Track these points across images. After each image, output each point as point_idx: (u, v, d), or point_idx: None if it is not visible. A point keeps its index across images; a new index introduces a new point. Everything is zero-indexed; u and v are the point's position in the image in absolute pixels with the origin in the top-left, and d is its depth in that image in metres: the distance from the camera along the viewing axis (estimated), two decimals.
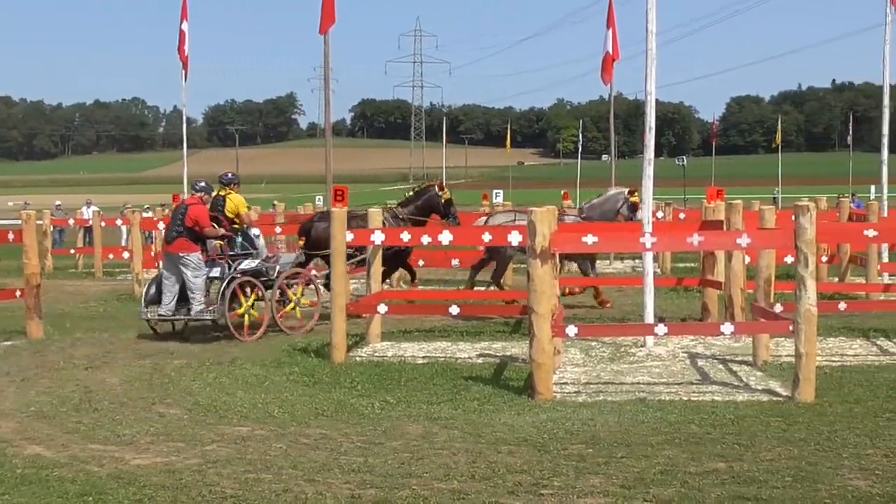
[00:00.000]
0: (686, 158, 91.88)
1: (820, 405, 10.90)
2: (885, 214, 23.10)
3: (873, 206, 23.02)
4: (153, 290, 16.91)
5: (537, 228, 11.37)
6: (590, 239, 11.96)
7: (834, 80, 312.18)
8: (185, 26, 27.78)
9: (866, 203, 28.86)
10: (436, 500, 7.50)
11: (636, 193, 19.88)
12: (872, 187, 56.86)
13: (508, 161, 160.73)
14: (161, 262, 17.81)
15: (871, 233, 14.52)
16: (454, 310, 15.27)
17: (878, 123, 24.24)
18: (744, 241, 12.32)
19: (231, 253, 17.15)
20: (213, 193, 17.48)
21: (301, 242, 18.85)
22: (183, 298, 16.54)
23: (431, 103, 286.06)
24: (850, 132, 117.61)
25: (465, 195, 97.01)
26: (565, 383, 12.36)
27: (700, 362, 13.71)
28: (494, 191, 56.39)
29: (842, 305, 14.96)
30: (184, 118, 32.18)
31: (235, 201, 17.53)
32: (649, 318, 14.84)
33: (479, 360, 14.00)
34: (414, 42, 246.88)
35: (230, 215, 17.42)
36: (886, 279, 21.02)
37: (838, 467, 8.29)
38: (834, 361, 13.58)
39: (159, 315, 16.68)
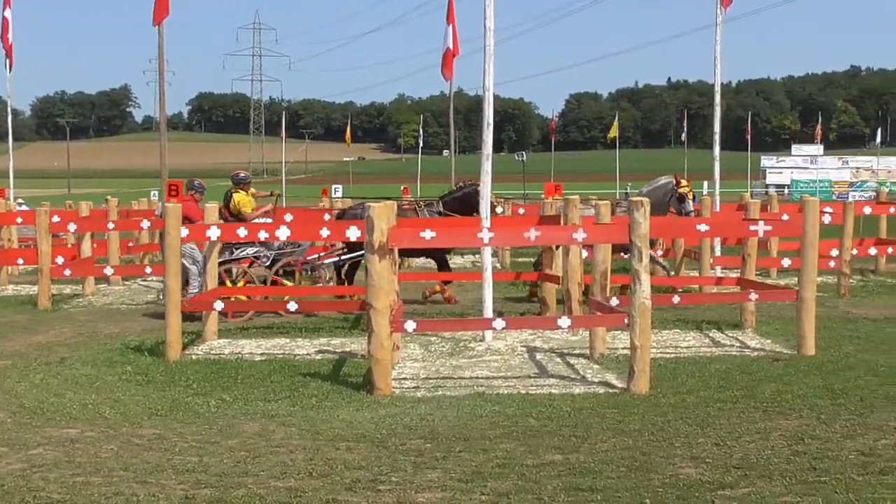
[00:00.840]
0: (525, 154, 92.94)
1: (654, 396, 11.09)
2: (718, 209, 23.61)
3: (706, 201, 23.48)
4: None
5: (375, 224, 11.32)
6: (427, 234, 11.96)
7: (669, 78, 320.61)
8: (7, 13, 27.12)
9: (700, 198, 29.46)
10: (272, 499, 7.38)
11: (683, 183, 19.89)
12: (705, 183, 58.13)
13: (349, 156, 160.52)
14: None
15: (703, 228, 14.80)
16: (292, 306, 15.17)
17: (711, 121, 24.82)
18: (580, 235, 12.44)
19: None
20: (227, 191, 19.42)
21: None
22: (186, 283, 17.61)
23: (271, 97, 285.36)
24: (685, 129, 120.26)
25: (304, 190, 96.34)
26: (404, 378, 12.35)
27: (538, 356, 13.83)
28: (334, 186, 56.19)
29: (676, 298, 15.23)
30: (9, 109, 31.51)
31: (237, 199, 19.18)
32: (488, 312, 14.93)
33: (318, 357, 13.90)
34: (253, 35, 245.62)
35: (234, 210, 19.07)
36: (719, 272, 21.47)
37: (671, 456, 8.41)
38: (668, 353, 13.83)
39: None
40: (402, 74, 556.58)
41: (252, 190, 20.01)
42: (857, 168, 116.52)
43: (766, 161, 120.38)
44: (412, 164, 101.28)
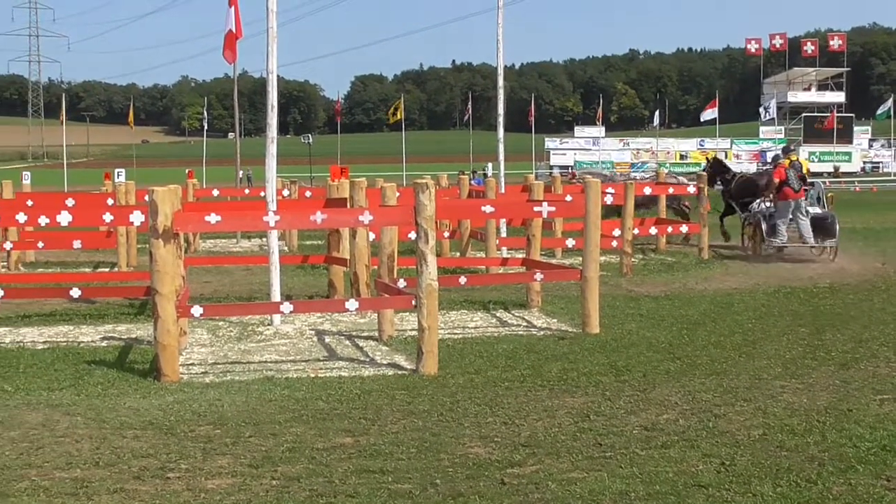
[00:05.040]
0: (311, 136, 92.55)
1: (443, 377, 11.18)
2: (503, 191, 23.94)
3: (491, 182, 23.81)
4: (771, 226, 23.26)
5: (159, 208, 11.13)
6: (213, 218, 11.80)
7: (454, 61, 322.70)
8: None
9: (485, 180, 29.87)
10: (57, 490, 7.21)
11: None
12: (490, 164, 58.91)
13: (132, 139, 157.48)
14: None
15: (488, 209, 14.97)
16: (75, 292, 14.81)
17: (495, 103, 25.15)
18: (366, 218, 12.48)
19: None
20: (793, 158, 24.04)
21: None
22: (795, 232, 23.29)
23: (50, 79, 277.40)
24: (470, 111, 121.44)
25: (86, 175, 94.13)
26: (192, 364, 12.19)
27: (327, 339, 13.82)
28: (117, 170, 55.11)
29: (462, 279, 15.37)
30: None
31: (805, 164, 24.96)
32: (276, 296, 14.85)
33: (103, 344, 13.60)
34: (29, 14, 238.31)
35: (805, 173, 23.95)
36: (504, 253, 21.77)
37: (460, 436, 8.50)
38: (456, 334, 13.97)
39: (779, 244, 23.12)
40: (186, 56, 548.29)
41: None
42: (638, 149, 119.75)
43: (550, 142, 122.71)
44: (198, 147, 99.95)
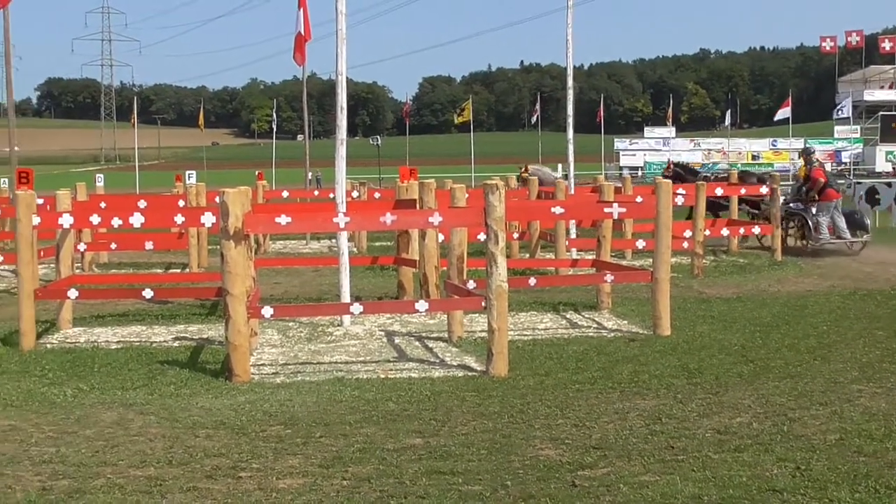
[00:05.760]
0: (380, 138, 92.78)
1: (513, 378, 11.15)
2: (572, 192, 23.85)
3: (560, 183, 23.71)
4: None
5: (230, 209, 11.20)
6: (283, 220, 11.86)
7: (522, 62, 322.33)
8: None
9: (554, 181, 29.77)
10: (132, 488, 7.27)
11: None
12: (560, 166, 58.67)
13: (202, 141, 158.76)
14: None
15: (558, 210, 14.91)
16: (148, 293, 14.93)
17: (564, 104, 25.06)
18: (436, 219, 12.48)
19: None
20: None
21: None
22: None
23: (122, 82, 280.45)
24: (538, 112, 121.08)
25: (158, 177, 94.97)
26: (263, 364, 12.26)
27: (397, 340, 13.84)
28: (188, 172, 55.53)
29: (532, 281, 15.31)
30: None
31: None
32: (345, 297, 14.91)
33: (175, 344, 13.72)
34: (101, 19, 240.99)
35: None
36: (574, 255, 21.68)
37: (530, 438, 8.48)
38: (526, 335, 13.93)
39: (826, 241, 24.41)
40: (255, 59, 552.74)
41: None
42: (709, 150, 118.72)
43: (620, 143, 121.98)
44: (267, 149, 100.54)
